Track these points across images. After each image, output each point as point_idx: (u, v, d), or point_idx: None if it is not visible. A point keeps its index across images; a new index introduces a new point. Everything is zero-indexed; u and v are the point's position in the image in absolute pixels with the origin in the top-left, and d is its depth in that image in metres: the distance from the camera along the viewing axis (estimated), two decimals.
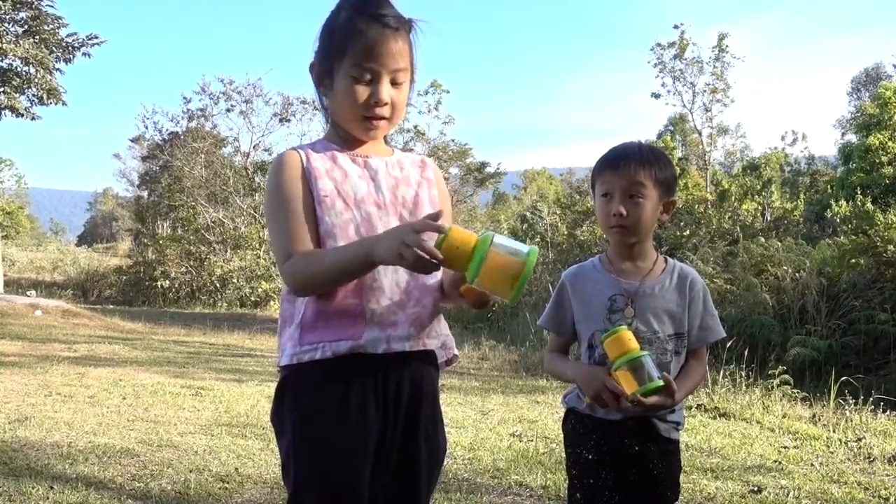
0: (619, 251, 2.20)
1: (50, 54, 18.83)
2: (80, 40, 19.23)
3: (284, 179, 1.80)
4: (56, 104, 19.55)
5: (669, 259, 2.25)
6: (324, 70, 1.85)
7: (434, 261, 1.60)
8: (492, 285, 1.65)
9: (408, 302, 1.81)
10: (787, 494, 4.01)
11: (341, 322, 1.76)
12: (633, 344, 1.98)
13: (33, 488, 3.73)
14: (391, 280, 1.79)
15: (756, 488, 4.09)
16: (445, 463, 4.49)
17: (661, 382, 1.96)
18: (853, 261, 11.32)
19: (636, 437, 2.12)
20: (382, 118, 1.84)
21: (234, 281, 21.73)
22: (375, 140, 1.91)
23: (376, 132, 1.87)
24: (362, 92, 1.80)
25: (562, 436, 2.26)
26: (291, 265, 1.75)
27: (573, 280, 2.22)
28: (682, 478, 2.25)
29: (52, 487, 3.76)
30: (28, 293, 19.17)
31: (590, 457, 2.13)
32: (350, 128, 1.87)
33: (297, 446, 1.75)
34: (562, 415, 2.28)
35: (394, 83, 1.83)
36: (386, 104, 1.83)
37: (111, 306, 19.74)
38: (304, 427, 1.75)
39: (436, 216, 1.65)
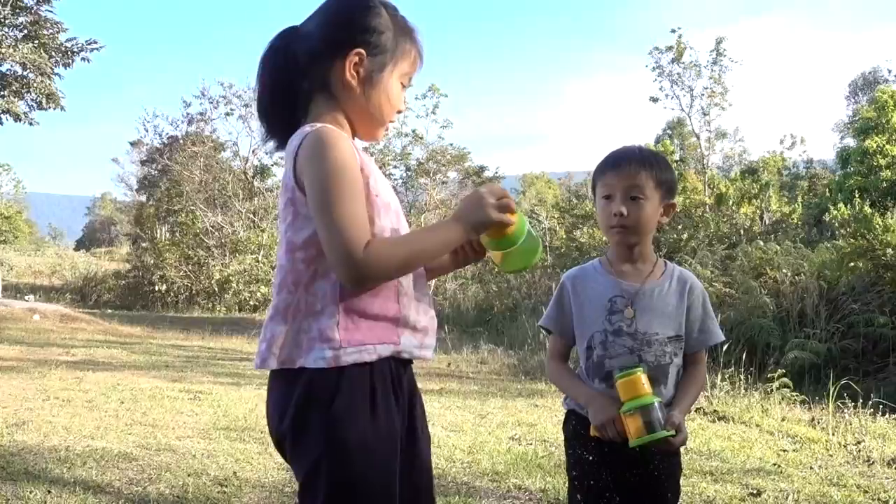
0: (619, 253, 2.20)
1: (49, 59, 18.83)
2: (80, 45, 19.24)
3: (342, 158, 1.65)
4: (55, 109, 19.55)
5: (669, 262, 2.26)
6: (370, 62, 1.77)
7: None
8: (514, 263, 1.87)
9: (429, 308, 1.82)
10: (787, 498, 4.00)
11: (380, 325, 1.71)
12: (647, 389, 2.00)
13: (31, 492, 3.72)
14: (413, 285, 1.77)
15: (755, 491, 4.09)
16: (444, 466, 4.50)
17: (667, 433, 1.98)
18: (852, 264, 11.30)
19: None
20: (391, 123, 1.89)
21: (233, 285, 21.70)
22: (375, 143, 1.93)
23: (380, 138, 1.90)
24: (402, 98, 1.84)
25: (561, 438, 2.26)
26: (374, 254, 1.61)
27: (573, 281, 2.22)
28: (681, 481, 2.25)
29: (49, 491, 3.76)
30: (26, 298, 19.15)
31: (590, 458, 2.13)
32: (369, 126, 1.84)
33: (332, 454, 1.65)
34: (561, 418, 2.28)
35: None
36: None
37: (109, 311, 19.72)
38: (339, 431, 1.65)
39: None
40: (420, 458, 1.85)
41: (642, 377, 2.01)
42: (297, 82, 1.80)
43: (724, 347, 7.93)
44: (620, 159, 2.16)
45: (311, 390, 1.66)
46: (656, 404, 1.99)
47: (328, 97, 1.79)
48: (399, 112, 1.86)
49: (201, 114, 25.71)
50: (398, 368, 1.77)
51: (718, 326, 2.25)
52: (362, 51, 1.76)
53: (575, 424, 2.19)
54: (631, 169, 2.12)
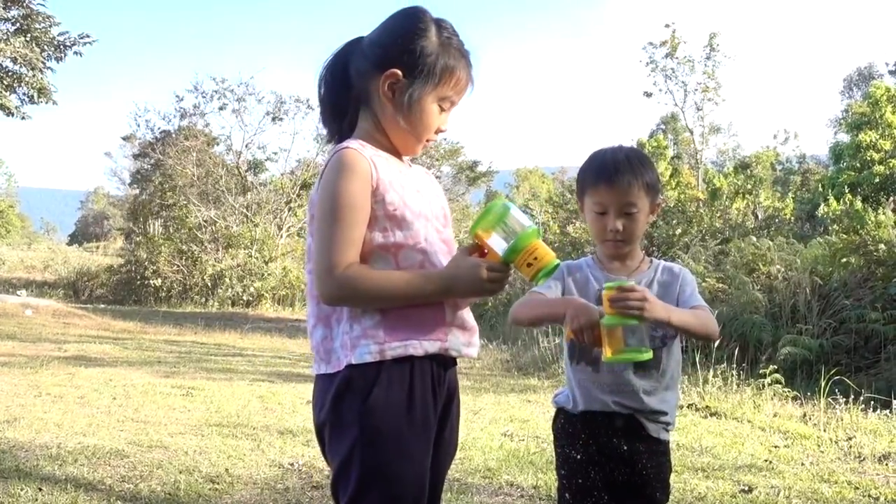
0: (610, 255, 2.21)
1: (41, 53, 18.74)
2: (72, 39, 19.16)
3: (353, 184, 1.75)
4: (47, 103, 19.47)
5: (654, 259, 2.28)
6: (406, 83, 1.83)
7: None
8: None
9: (468, 308, 1.88)
10: (778, 494, 4.01)
11: (426, 323, 1.79)
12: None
13: (22, 490, 3.71)
14: None
15: (747, 488, 4.10)
16: None
17: (647, 356, 1.89)
18: (844, 259, 11.32)
19: (625, 436, 2.12)
20: (431, 142, 1.95)
21: (226, 280, 21.68)
22: (414, 156, 1.98)
23: (418, 153, 1.96)
24: (438, 119, 1.88)
25: (552, 436, 2.27)
26: (350, 276, 1.72)
27: (569, 270, 2.23)
28: (672, 477, 2.25)
29: (41, 489, 3.75)
30: (19, 293, 19.08)
31: (578, 456, 2.14)
32: (404, 142, 1.90)
33: (366, 441, 1.71)
34: (552, 414, 2.29)
35: None
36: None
37: (102, 306, 19.68)
38: (374, 422, 1.72)
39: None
40: (443, 456, 1.92)
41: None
42: (347, 95, 1.90)
43: (717, 343, 7.94)
44: (612, 173, 2.10)
45: (350, 382, 1.75)
46: (643, 325, 1.89)
47: (370, 112, 1.89)
48: (440, 132, 1.92)
49: (195, 106, 25.64)
50: (439, 370, 1.84)
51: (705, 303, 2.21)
52: (398, 71, 1.82)
53: (563, 422, 2.20)
54: (624, 184, 2.09)
